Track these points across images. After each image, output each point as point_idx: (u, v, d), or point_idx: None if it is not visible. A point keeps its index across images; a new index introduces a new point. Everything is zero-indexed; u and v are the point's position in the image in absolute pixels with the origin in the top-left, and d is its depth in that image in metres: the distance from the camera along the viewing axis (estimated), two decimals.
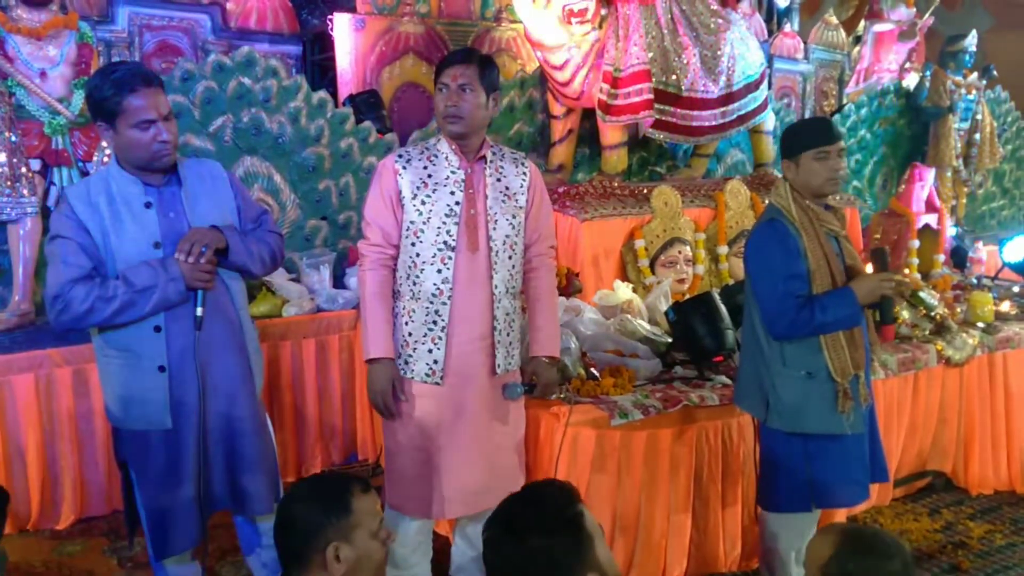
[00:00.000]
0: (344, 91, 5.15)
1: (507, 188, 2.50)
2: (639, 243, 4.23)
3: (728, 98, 4.63)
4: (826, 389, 2.44)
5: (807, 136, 2.49)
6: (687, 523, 2.94)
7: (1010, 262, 5.08)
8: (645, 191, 4.44)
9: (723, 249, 4.54)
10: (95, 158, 3.62)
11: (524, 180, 2.53)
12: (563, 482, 1.71)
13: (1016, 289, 4.59)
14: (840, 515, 3.33)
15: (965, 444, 3.79)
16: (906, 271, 4.65)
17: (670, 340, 3.32)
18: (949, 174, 6.33)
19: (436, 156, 2.46)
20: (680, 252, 4.29)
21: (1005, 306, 4.11)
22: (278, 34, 5.17)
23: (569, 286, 3.72)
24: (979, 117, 6.45)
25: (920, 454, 3.70)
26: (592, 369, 2.99)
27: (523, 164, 2.57)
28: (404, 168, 2.44)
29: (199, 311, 2.19)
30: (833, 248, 2.47)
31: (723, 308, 3.09)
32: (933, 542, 3.30)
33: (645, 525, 2.83)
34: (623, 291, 3.72)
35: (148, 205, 2.19)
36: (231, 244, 2.24)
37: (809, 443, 2.48)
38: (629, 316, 3.47)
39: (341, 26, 5.20)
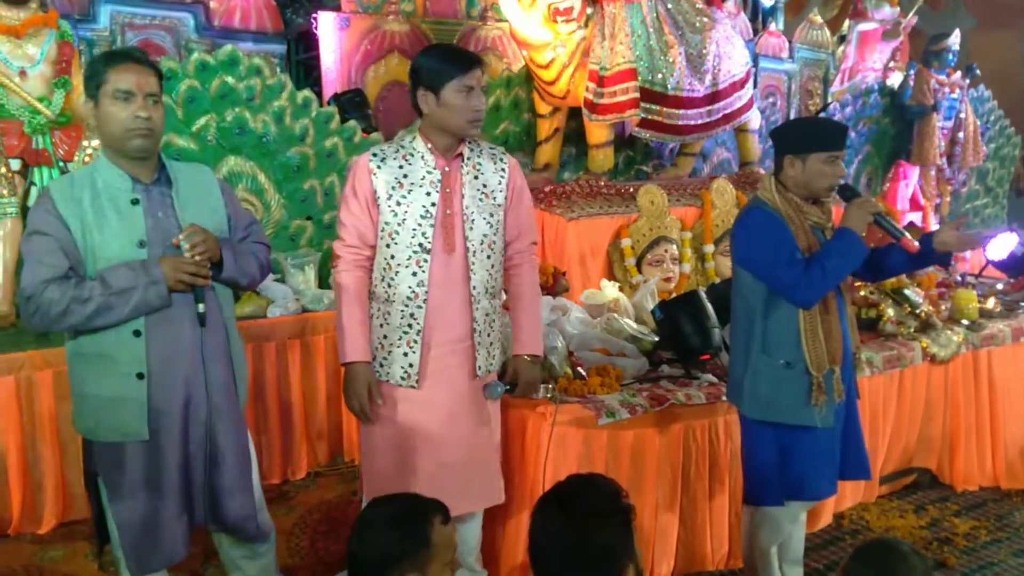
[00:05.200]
0: (329, 90, 5.12)
1: (485, 186, 2.44)
2: (625, 242, 4.23)
3: (714, 97, 4.64)
4: (801, 381, 2.45)
5: (822, 139, 2.44)
6: (674, 522, 2.93)
7: (993, 260, 5.10)
8: (631, 190, 4.44)
9: (709, 248, 4.55)
10: (76, 158, 3.57)
11: (503, 176, 2.47)
12: (611, 478, 1.74)
13: (1000, 286, 4.61)
14: (827, 511, 3.34)
15: (950, 441, 3.81)
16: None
17: (657, 339, 3.32)
18: (933, 172, 6.37)
19: (412, 155, 2.40)
20: (666, 251, 4.29)
21: (989, 303, 4.13)
22: (262, 33, 5.12)
23: (556, 285, 3.71)
24: (963, 116, 6.48)
25: (905, 451, 3.72)
26: (579, 368, 2.98)
27: (502, 160, 2.50)
28: (379, 167, 2.38)
29: (200, 307, 2.12)
30: (818, 239, 2.48)
31: (709, 306, 3.09)
32: (919, 539, 3.31)
33: None
34: (610, 290, 3.72)
35: (135, 202, 2.10)
36: (225, 260, 2.17)
37: (781, 434, 2.50)
38: (616, 315, 3.46)
39: (325, 25, 5.16)
